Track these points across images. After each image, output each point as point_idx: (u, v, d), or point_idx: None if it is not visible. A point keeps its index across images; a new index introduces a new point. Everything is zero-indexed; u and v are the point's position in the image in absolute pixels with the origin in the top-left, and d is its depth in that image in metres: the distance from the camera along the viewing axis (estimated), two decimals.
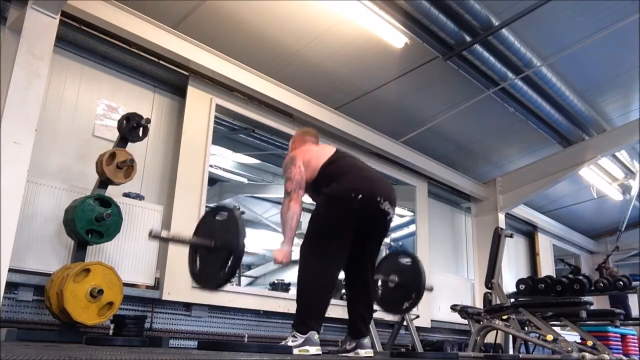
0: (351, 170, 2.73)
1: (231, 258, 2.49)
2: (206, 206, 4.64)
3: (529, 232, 9.28)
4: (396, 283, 3.68)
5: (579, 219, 9.80)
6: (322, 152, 2.88)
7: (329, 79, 5.42)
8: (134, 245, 4.00)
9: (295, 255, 2.73)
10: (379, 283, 3.78)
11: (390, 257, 4.00)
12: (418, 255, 6.61)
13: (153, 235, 2.60)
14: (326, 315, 2.68)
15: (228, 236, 2.55)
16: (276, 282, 9.09)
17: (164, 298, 4.04)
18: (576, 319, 4.11)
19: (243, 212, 9.06)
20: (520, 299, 4.83)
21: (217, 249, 2.60)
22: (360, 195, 2.57)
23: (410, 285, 3.69)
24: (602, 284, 5.28)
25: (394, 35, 4.70)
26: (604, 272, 7.77)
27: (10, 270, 3.07)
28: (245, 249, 2.52)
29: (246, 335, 4.61)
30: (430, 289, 4.03)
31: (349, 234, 2.65)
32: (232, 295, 4.59)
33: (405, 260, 3.81)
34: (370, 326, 2.95)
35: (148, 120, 3.71)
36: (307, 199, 2.87)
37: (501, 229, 5.59)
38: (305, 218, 2.87)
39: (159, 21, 4.25)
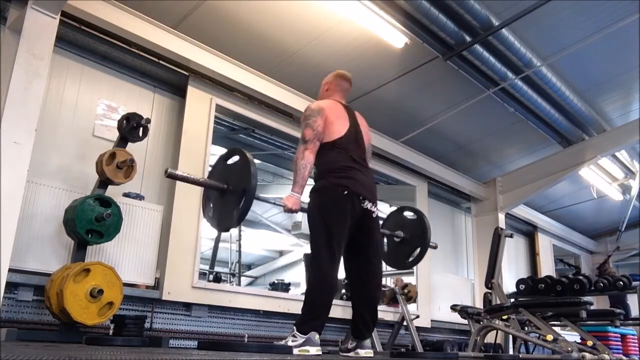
0: (342, 171, 2.79)
1: (243, 198, 2.59)
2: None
3: (529, 232, 9.28)
4: (402, 238, 3.79)
5: (579, 219, 9.80)
6: (341, 124, 2.93)
7: None
8: (134, 245, 4.00)
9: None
10: (385, 240, 3.91)
11: (395, 213, 4.11)
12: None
13: (168, 174, 2.68)
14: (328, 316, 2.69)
15: (240, 177, 2.67)
16: (276, 282, 9.09)
17: (164, 298, 4.04)
18: (576, 319, 4.11)
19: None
20: (520, 299, 4.83)
21: (229, 191, 2.74)
22: (346, 192, 2.71)
23: (415, 239, 3.79)
24: (602, 284, 5.28)
25: (394, 35, 4.70)
26: (603, 272, 7.78)
27: (10, 270, 3.06)
28: (256, 191, 2.66)
29: (246, 335, 4.61)
30: (435, 247, 4.08)
31: (342, 225, 2.70)
32: (232, 295, 4.59)
33: (410, 215, 3.92)
34: (373, 329, 2.96)
35: (148, 120, 3.71)
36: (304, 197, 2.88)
37: (501, 229, 5.59)
38: (303, 218, 2.88)
39: (159, 21, 4.25)
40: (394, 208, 9.03)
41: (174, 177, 2.74)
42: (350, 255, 2.85)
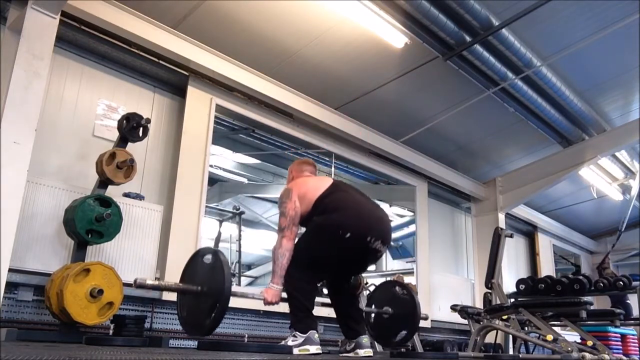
0: (346, 206, 2.67)
1: (217, 305, 2.42)
2: (206, 206, 4.64)
3: (529, 232, 9.28)
4: (390, 315, 3.61)
5: (579, 219, 9.80)
6: (319, 184, 2.81)
7: (329, 79, 5.42)
8: (134, 245, 4.00)
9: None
10: (372, 316, 3.74)
11: (382, 288, 3.91)
12: (418, 255, 6.67)
13: (138, 285, 2.47)
14: (326, 315, 2.71)
15: (213, 282, 2.50)
16: None
17: (164, 298, 4.04)
18: (576, 319, 4.12)
19: (243, 212, 9.06)
20: (520, 299, 4.83)
21: (203, 294, 2.55)
22: (348, 234, 2.54)
23: (404, 318, 3.58)
24: (602, 284, 5.28)
25: (394, 35, 4.70)
26: (602, 272, 7.78)
27: (10, 270, 3.06)
28: (232, 294, 2.46)
29: (246, 335, 4.61)
30: (425, 318, 3.97)
31: (331, 265, 2.69)
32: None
33: (398, 291, 3.72)
34: (365, 324, 2.97)
35: (148, 120, 3.71)
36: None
37: (501, 229, 5.59)
38: None
39: (159, 21, 4.25)
40: (393, 208, 9.07)
41: (143, 287, 2.52)
42: (335, 282, 2.90)
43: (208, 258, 2.64)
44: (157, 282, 2.68)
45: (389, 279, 10.48)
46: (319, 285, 3.02)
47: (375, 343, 4.46)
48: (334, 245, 2.58)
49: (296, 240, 2.72)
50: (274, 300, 2.68)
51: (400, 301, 3.63)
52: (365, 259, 2.75)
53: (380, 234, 2.65)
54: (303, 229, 2.82)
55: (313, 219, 2.69)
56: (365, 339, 2.76)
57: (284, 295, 2.70)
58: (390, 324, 3.63)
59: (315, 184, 2.82)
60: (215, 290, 2.47)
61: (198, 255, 2.76)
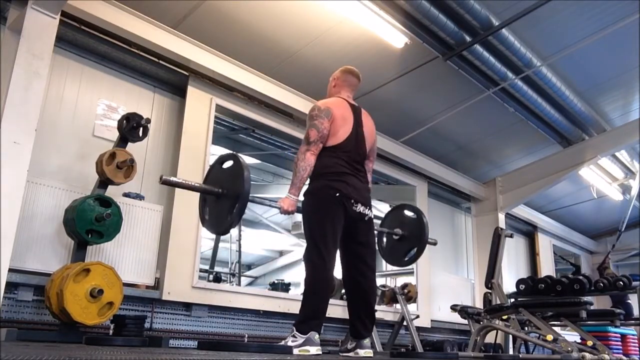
0: (337, 176, 2.78)
1: (237, 203, 2.61)
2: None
3: (529, 232, 9.28)
4: (400, 235, 3.81)
5: (579, 219, 9.80)
6: (344, 127, 2.86)
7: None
8: (134, 245, 4.00)
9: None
10: (384, 238, 3.95)
11: (394, 211, 4.13)
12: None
13: (163, 181, 2.70)
14: (326, 315, 2.70)
15: (234, 182, 2.69)
16: (276, 282, 9.08)
17: (164, 298, 4.04)
18: (576, 319, 4.12)
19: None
20: (520, 299, 4.83)
21: (224, 196, 2.75)
22: (337, 194, 2.71)
23: (413, 237, 3.81)
24: (602, 284, 5.28)
25: (394, 35, 4.70)
26: (602, 272, 7.78)
27: (10, 270, 3.06)
28: (250, 196, 2.68)
29: (246, 335, 4.61)
30: (434, 243, 4.11)
31: (335, 226, 2.71)
32: (232, 295, 4.59)
33: (409, 213, 3.93)
34: (371, 328, 2.96)
35: (148, 120, 3.71)
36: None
37: (501, 229, 5.59)
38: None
39: (159, 21, 4.25)
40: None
41: (168, 184, 2.76)
42: (344, 258, 2.87)
43: (228, 163, 2.82)
44: (182, 180, 2.83)
45: (389, 279, 10.45)
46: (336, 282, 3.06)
47: (376, 343, 4.47)
48: (327, 203, 2.72)
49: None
50: (290, 209, 2.78)
51: (409, 222, 3.88)
52: (357, 224, 2.82)
53: (362, 199, 2.82)
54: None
55: (306, 190, 2.82)
56: (366, 340, 2.77)
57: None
58: (400, 245, 3.86)
59: (343, 124, 2.86)
60: (235, 190, 2.67)
61: (218, 161, 2.92)
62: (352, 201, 2.76)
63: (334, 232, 2.70)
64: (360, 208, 2.80)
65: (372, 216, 2.92)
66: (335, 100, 2.97)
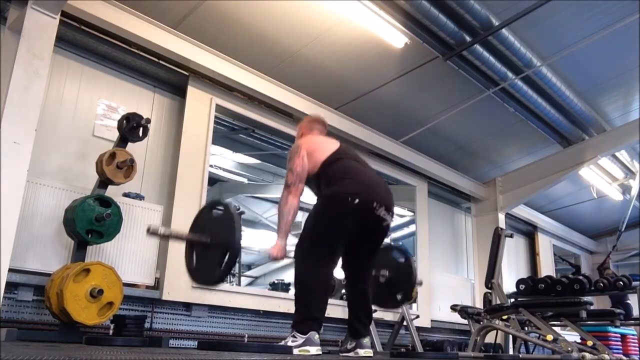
0: (350, 174, 2.69)
1: (227, 255, 2.47)
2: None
3: (529, 232, 9.28)
4: (387, 278, 3.67)
5: (579, 219, 9.80)
6: (327, 145, 2.84)
7: (329, 79, 5.42)
8: (134, 245, 4.00)
9: (291, 252, 2.74)
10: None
11: (381, 252, 3.99)
12: (418, 255, 6.67)
13: (151, 232, 2.57)
14: (326, 315, 2.69)
15: (224, 233, 2.53)
16: (276, 282, 9.10)
17: (164, 298, 4.04)
18: (576, 319, 4.12)
19: (243, 212, 9.06)
20: (520, 299, 4.83)
21: (213, 246, 2.58)
22: (356, 200, 2.56)
23: (401, 281, 3.68)
24: (602, 284, 5.28)
25: (394, 35, 4.70)
26: (603, 272, 7.77)
27: (10, 270, 3.06)
28: (241, 246, 2.51)
29: (246, 335, 4.61)
30: (420, 284, 4.01)
31: (344, 237, 2.65)
32: (232, 295, 4.59)
33: (396, 255, 3.83)
34: (370, 327, 2.96)
35: (148, 120, 3.71)
36: (304, 197, 2.86)
37: (501, 229, 5.59)
38: (302, 217, 2.84)
39: (159, 21, 4.25)
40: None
41: (155, 235, 2.60)
42: (349, 261, 2.82)
43: (218, 210, 2.69)
44: (169, 231, 2.73)
45: None
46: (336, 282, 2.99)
47: (376, 343, 4.47)
48: (343, 215, 2.59)
49: (300, 197, 2.73)
50: (280, 255, 2.72)
51: (396, 264, 3.72)
52: (373, 229, 2.71)
53: (384, 201, 2.67)
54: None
55: (322, 193, 2.71)
56: (366, 340, 2.76)
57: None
58: (386, 287, 3.70)
59: (323, 145, 2.84)
60: (225, 241, 2.51)
61: (208, 207, 2.81)
62: (375, 204, 2.61)
63: (343, 238, 2.64)
64: (382, 212, 2.64)
65: (391, 222, 2.77)
66: (304, 138, 2.96)
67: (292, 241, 2.80)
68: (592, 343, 3.85)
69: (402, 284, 3.67)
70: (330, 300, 3.04)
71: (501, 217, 7.50)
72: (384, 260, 3.75)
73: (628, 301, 6.77)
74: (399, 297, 3.71)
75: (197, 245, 2.67)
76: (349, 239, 2.67)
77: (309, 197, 2.92)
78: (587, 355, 3.52)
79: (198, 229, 2.72)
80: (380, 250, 3.95)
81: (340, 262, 2.79)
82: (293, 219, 2.69)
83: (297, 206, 2.70)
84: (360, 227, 2.66)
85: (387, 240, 3.57)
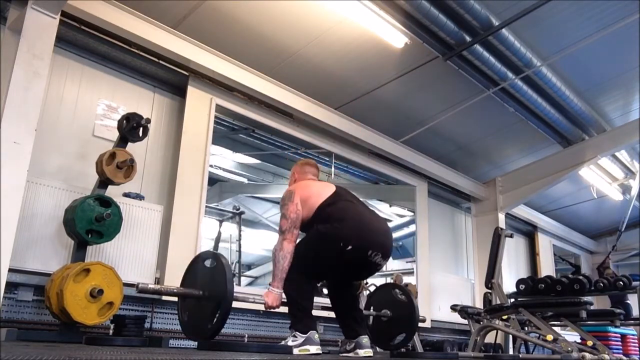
0: (347, 217, 2.64)
1: (220, 308, 2.43)
2: (206, 206, 4.63)
3: (529, 232, 9.28)
4: (388, 317, 3.63)
5: (579, 219, 9.80)
6: (322, 190, 2.80)
7: (329, 79, 5.42)
8: (134, 245, 4.00)
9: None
10: (371, 319, 3.75)
11: (381, 291, 3.94)
12: (418, 255, 6.67)
13: (140, 289, 2.50)
14: (326, 315, 2.71)
15: (215, 286, 2.50)
16: None
17: (164, 298, 4.04)
18: (576, 319, 4.11)
19: (243, 212, 9.06)
20: (520, 299, 4.82)
21: (205, 298, 2.56)
22: (349, 247, 2.53)
23: (403, 321, 3.60)
24: (602, 284, 5.27)
25: (394, 35, 4.70)
26: (602, 272, 7.77)
27: (10, 270, 3.06)
28: (234, 298, 2.47)
29: (246, 335, 4.61)
30: (423, 320, 3.99)
31: (330, 272, 2.71)
32: None
33: (397, 294, 3.74)
34: (366, 325, 2.98)
35: (148, 120, 3.70)
36: None
37: (501, 229, 5.58)
38: None
39: (159, 21, 4.25)
40: (393, 208, 9.07)
41: (145, 292, 2.55)
42: (335, 285, 2.90)
43: (209, 262, 2.64)
44: (158, 287, 2.69)
45: (389, 279, 10.48)
46: (318, 285, 3.03)
47: None
48: (334, 255, 2.58)
49: (297, 242, 2.71)
50: (275, 304, 2.68)
51: (398, 304, 3.65)
52: (363, 271, 2.76)
53: (381, 249, 2.64)
54: (303, 235, 2.82)
55: (315, 225, 2.67)
56: (365, 339, 2.76)
57: (284, 298, 2.70)
58: (388, 327, 3.65)
59: (318, 190, 2.80)
60: (217, 294, 2.48)
61: (199, 259, 2.76)
62: (370, 252, 2.59)
63: (329, 274, 2.73)
64: (377, 259, 2.63)
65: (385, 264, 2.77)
66: (297, 183, 2.95)
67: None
68: (592, 343, 3.85)
69: (404, 323, 3.60)
70: (330, 301, 3.05)
71: (501, 217, 7.50)
72: (384, 300, 3.71)
73: (628, 301, 6.77)
74: (398, 338, 3.63)
75: (190, 298, 2.65)
76: (335, 272, 2.72)
77: None
78: (587, 355, 3.52)
79: (189, 282, 2.69)
80: (381, 289, 3.95)
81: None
82: (289, 265, 2.64)
83: (292, 251, 2.66)
84: (349, 267, 2.66)
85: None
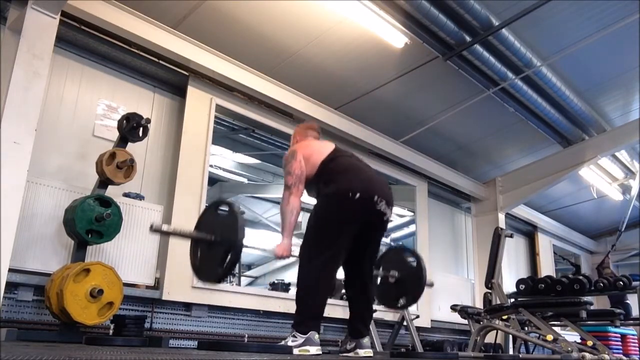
0: (349, 170, 2.75)
1: (230, 254, 2.51)
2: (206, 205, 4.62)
3: (529, 232, 9.28)
4: (396, 279, 3.67)
5: (579, 219, 9.80)
6: (322, 148, 2.90)
7: (329, 79, 5.42)
8: (134, 245, 4.00)
9: (296, 251, 2.75)
10: (379, 278, 3.79)
11: (392, 252, 4.00)
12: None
13: (154, 229, 2.63)
14: (326, 315, 2.70)
15: (227, 232, 2.57)
16: (276, 282, 9.08)
17: (164, 298, 4.04)
18: (576, 319, 4.12)
19: (243, 212, 9.05)
20: (520, 299, 4.83)
21: (216, 244, 2.63)
22: (357, 195, 2.60)
23: (410, 283, 3.66)
24: (602, 284, 5.28)
25: (394, 35, 4.70)
26: (602, 272, 7.77)
27: (10, 270, 3.06)
28: (244, 245, 2.53)
29: (246, 335, 4.61)
30: (431, 285, 4.01)
31: (346, 234, 2.66)
32: (232, 295, 4.59)
33: (408, 257, 3.81)
34: (370, 326, 2.96)
35: (148, 120, 3.71)
36: (305, 198, 2.87)
37: (501, 229, 5.58)
38: (304, 217, 2.85)
39: (159, 21, 4.25)
40: (393, 208, 9.06)
41: (159, 232, 2.64)
42: (352, 258, 2.82)
43: (222, 210, 2.71)
44: (172, 228, 2.77)
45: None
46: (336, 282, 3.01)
47: (375, 343, 4.47)
48: (344, 210, 2.62)
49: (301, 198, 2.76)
50: (285, 254, 2.74)
51: (408, 267, 3.70)
52: (373, 224, 2.75)
53: (385, 195, 2.71)
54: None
55: (321, 191, 2.74)
56: (366, 340, 2.76)
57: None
58: (395, 288, 3.69)
59: (319, 148, 2.90)
60: (228, 240, 2.55)
61: (213, 206, 2.83)
62: (376, 198, 2.65)
63: (347, 238, 2.66)
64: (382, 206, 2.69)
65: (390, 217, 2.83)
66: (299, 143, 3.04)
67: (295, 241, 2.81)
68: (592, 343, 3.85)
69: (410, 286, 3.65)
70: (330, 300, 3.04)
71: (501, 217, 7.50)
72: (395, 261, 3.77)
73: (627, 301, 6.77)
74: (401, 301, 3.68)
75: (201, 242, 2.72)
76: (351, 236, 2.69)
77: (309, 198, 2.93)
78: (587, 355, 3.52)
79: (203, 227, 2.76)
80: (392, 250, 4.00)
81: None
82: (296, 218, 2.72)
83: (299, 206, 2.75)
84: (361, 223, 2.69)
85: (387, 240, 3.56)
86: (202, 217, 2.86)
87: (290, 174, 2.77)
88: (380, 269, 3.75)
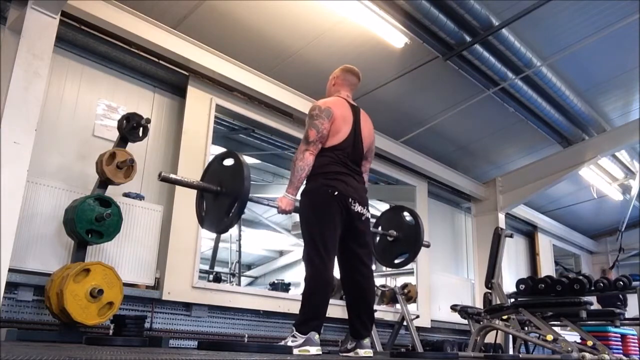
0: (332, 173, 2.77)
1: (236, 203, 2.57)
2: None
3: (529, 232, 9.28)
4: (394, 237, 3.77)
5: (579, 219, 9.80)
6: (343, 129, 2.84)
7: None
8: (134, 245, 4.00)
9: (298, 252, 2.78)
10: (378, 237, 3.90)
11: (390, 211, 4.10)
12: (418, 255, 6.66)
13: (162, 178, 2.68)
14: (326, 316, 2.69)
15: (233, 182, 2.64)
16: (276, 282, 9.09)
17: (164, 298, 4.04)
18: (576, 319, 4.11)
19: (243, 212, 9.04)
20: (520, 299, 4.82)
21: (222, 194, 2.71)
22: (336, 192, 2.70)
23: (408, 241, 3.77)
24: (602, 284, 5.27)
25: (394, 35, 4.70)
26: (603, 273, 7.78)
27: (10, 270, 3.06)
28: (249, 195, 2.63)
29: (246, 335, 4.61)
30: (427, 245, 4.08)
31: (333, 224, 2.70)
32: (232, 295, 4.59)
33: (406, 216, 3.90)
34: (371, 328, 2.96)
35: (148, 120, 3.71)
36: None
37: (501, 229, 5.58)
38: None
39: (159, 21, 4.25)
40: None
41: (167, 181, 2.74)
42: (343, 258, 2.86)
43: (228, 161, 2.77)
44: (180, 177, 2.83)
45: (389, 279, 10.45)
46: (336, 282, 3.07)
47: (376, 343, 4.47)
48: (326, 202, 2.70)
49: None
50: (288, 209, 2.77)
51: (406, 226, 3.81)
52: (355, 224, 2.80)
53: (359, 198, 2.82)
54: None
55: (302, 190, 2.81)
56: (366, 340, 2.77)
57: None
58: (393, 246, 3.82)
59: (341, 126, 2.83)
60: (234, 190, 2.62)
61: (218, 158, 2.88)
62: (350, 200, 2.76)
63: (332, 231, 2.70)
64: (358, 207, 2.79)
65: (369, 216, 2.92)
66: (335, 99, 2.95)
67: (295, 241, 2.85)
68: (592, 343, 3.85)
69: (408, 244, 3.76)
70: (330, 300, 3.04)
71: (501, 217, 7.50)
72: (393, 220, 3.88)
73: (619, 303, 6.76)
74: (396, 261, 3.84)
75: (207, 193, 2.78)
76: (339, 232, 2.74)
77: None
78: (587, 355, 3.52)
79: (209, 178, 2.82)
80: (391, 210, 4.10)
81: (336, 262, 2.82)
82: (306, 176, 2.74)
83: (312, 164, 2.74)
84: (343, 223, 2.74)
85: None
86: (208, 167, 2.94)
87: (316, 128, 2.75)
88: (379, 227, 3.83)
